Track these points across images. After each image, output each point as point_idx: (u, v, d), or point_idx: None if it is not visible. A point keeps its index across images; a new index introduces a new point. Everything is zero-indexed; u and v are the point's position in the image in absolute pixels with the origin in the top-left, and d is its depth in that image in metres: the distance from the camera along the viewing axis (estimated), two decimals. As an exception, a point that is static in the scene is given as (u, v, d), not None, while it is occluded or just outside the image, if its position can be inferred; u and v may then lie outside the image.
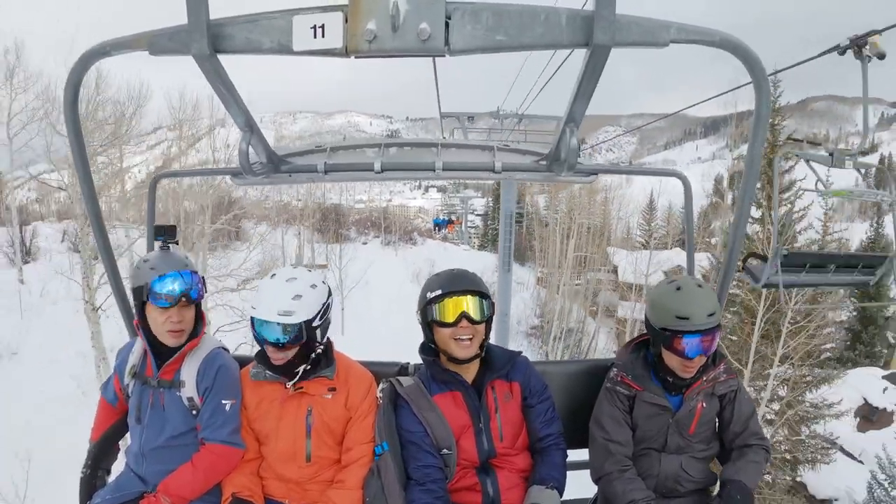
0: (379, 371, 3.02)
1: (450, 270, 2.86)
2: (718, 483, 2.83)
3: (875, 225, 37.93)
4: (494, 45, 1.78)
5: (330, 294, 2.81)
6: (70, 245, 30.87)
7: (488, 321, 2.76)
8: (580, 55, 1.92)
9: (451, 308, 2.68)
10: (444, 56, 1.86)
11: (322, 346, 2.77)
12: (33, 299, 25.05)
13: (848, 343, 34.07)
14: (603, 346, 34.19)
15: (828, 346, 22.16)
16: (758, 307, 17.38)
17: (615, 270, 40.12)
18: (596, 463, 2.87)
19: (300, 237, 32.12)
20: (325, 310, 2.74)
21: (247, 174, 2.85)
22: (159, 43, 1.88)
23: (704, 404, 2.83)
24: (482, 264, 37.63)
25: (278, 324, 2.58)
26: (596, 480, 2.90)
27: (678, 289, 2.70)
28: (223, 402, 2.73)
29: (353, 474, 2.71)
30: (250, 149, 2.68)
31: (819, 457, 19.10)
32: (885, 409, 24.52)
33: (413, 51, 1.78)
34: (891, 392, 25.43)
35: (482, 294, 2.73)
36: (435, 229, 57.69)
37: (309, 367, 2.73)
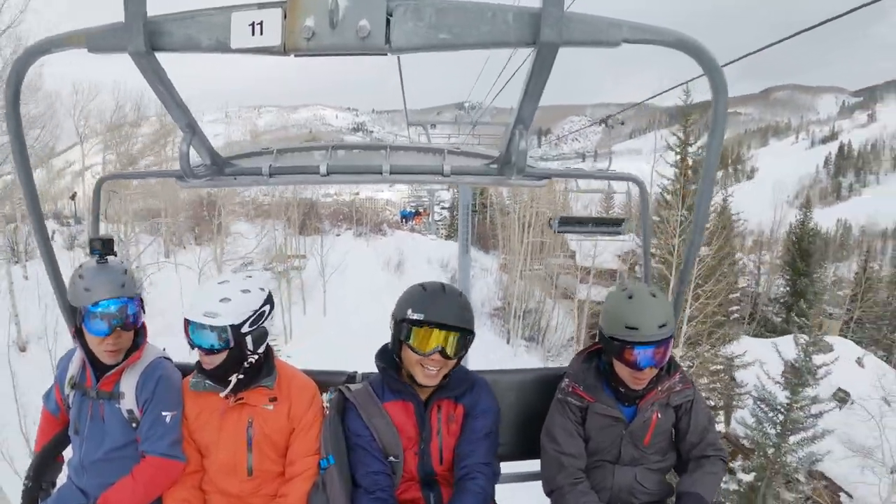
0: (325, 380, 3.02)
1: (439, 289, 2.67)
2: (675, 495, 2.82)
3: (804, 209, 43.45)
4: (438, 44, 1.73)
5: (266, 303, 2.73)
6: (64, 243, 32.85)
7: (463, 354, 2.65)
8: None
9: (429, 339, 2.55)
10: (385, 54, 1.79)
11: (256, 356, 2.71)
12: (42, 292, 27.35)
13: (783, 316, 38.77)
14: (561, 322, 37.59)
15: (734, 308, 26.34)
16: (669, 275, 21.35)
17: (573, 255, 43.69)
18: (548, 476, 2.85)
19: (285, 230, 34.60)
20: (258, 317, 2.67)
21: (188, 177, 2.79)
22: (96, 40, 1.82)
23: (659, 415, 2.81)
24: (449, 252, 40.53)
25: (204, 325, 2.55)
26: (548, 493, 2.87)
27: (630, 297, 2.66)
28: (163, 413, 2.70)
29: (296, 488, 2.69)
30: (192, 150, 2.59)
31: (736, 402, 23.05)
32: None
33: (352, 49, 1.72)
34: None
35: (465, 330, 2.58)
36: (402, 221, 59.01)
37: (242, 376, 2.69)
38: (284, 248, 31.84)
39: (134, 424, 2.74)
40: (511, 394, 3.28)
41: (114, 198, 29.70)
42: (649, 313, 2.60)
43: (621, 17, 1.74)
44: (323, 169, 3.02)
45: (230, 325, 2.57)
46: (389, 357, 2.75)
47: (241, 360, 2.66)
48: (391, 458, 2.65)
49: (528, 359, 32.95)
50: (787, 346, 27.49)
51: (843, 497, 20.40)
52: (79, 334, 2.73)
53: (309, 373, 3.04)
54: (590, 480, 2.82)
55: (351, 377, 3.17)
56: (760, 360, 22.61)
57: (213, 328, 2.56)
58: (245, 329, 2.62)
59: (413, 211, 59.21)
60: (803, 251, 39.64)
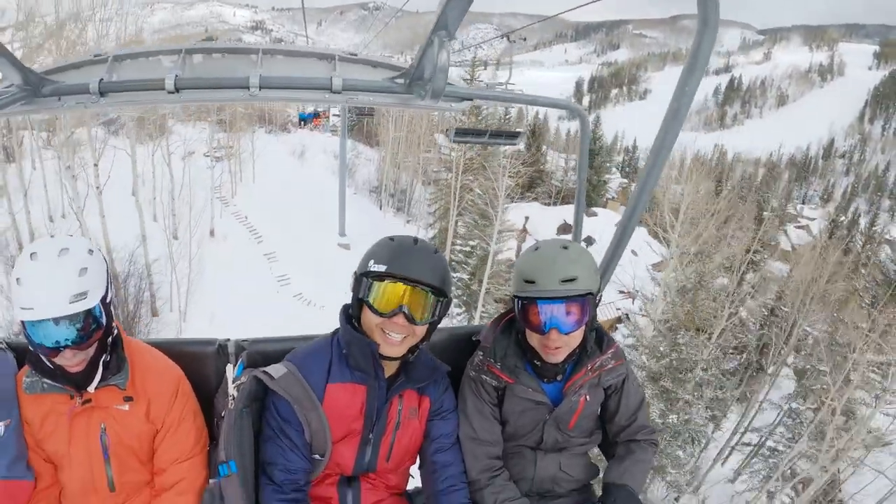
0: (190, 352, 2.65)
1: (410, 241, 2.29)
2: (602, 480, 2.68)
3: (596, 117, 63.88)
4: None
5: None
6: None
7: (434, 323, 2.32)
8: None
9: (390, 295, 2.20)
10: None
11: (114, 332, 2.28)
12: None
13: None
14: (425, 199, 51.65)
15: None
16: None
17: (440, 150, 59.51)
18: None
19: (213, 129, 43.23)
20: (110, 278, 2.25)
21: None
22: None
23: (588, 397, 2.59)
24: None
25: (65, 316, 2.05)
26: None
27: (535, 249, 2.45)
28: None
29: None
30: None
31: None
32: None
33: None
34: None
35: (436, 290, 2.24)
36: (301, 123, 65.00)
37: (109, 357, 2.27)
38: (226, 141, 43.90)
39: None
40: None
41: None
42: (551, 264, 2.33)
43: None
44: (169, 83, 2.35)
45: (101, 300, 2.15)
46: (352, 325, 2.33)
47: (108, 337, 2.26)
48: (315, 456, 2.32)
49: (394, 220, 48.09)
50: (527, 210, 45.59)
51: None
52: None
53: (168, 345, 2.58)
54: (509, 468, 2.63)
55: (222, 347, 2.71)
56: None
57: (78, 315, 2.08)
58: (109, 296, 2.23)
59: (312, 113, 65.45)
60: (591, 151, 59.75)
